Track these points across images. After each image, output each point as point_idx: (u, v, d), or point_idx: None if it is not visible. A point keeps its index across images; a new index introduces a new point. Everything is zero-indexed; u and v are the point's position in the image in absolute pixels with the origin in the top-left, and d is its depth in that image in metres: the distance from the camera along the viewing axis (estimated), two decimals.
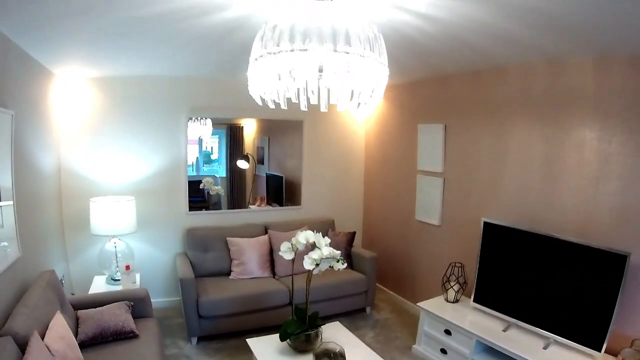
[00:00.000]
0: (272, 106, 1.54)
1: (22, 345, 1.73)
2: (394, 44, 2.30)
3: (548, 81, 2.77)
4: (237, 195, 4.46)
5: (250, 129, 4.41)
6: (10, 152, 2.22)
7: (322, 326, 2.59)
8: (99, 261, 3.46)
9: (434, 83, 3.71)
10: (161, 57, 2.98)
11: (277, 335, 2.55)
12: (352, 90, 1.41)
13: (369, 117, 4.74)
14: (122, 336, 2.46)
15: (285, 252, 2.54)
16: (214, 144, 4.38)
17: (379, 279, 4.19)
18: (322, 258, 2.38)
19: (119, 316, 2.50)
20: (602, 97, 2.47)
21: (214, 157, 4.42)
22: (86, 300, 2.75)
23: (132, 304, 2.69)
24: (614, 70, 2.39)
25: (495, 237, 2.97)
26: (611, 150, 2.43)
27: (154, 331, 2.62)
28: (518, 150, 3.00)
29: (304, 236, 2.46)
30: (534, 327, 2.65)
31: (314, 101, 1.44)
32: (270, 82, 1.38)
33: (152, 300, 2.93)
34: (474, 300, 3.07)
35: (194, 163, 4.24)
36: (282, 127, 4.49)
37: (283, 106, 1.48)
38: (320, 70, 1.29)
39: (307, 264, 2.40)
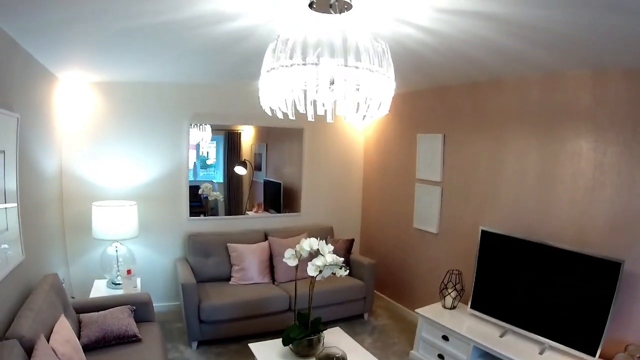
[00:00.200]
0: (280, 116, 1.59)
1: (28, 349, 1.74)
2: (396, 55, 2.35)
3: (544, 93, 2.84)
4: (234, 201, 4.48)
5: (247, 135, 4.44)
6: (16, 155, 2.23)
7: (323, 331, 2.62)
8: (100, 265, 3.47)
9: (433, 94, 3.78)
10: (165, 64, 3.01)
11: (280, 340, 2.58)
12: (359, 103, 1.47)
13: (368, 125, 4.79)
14: (125, 340, 2.47)
15: (289, 259, 2.59)
16: (210, 149, 4.40)
17: (377, 285, 4.22)
18: (326, 265, 2.43)
19: (122, 320, 2.51)
20: (597, 109, 2.54)
21: (209, 162, 4.43)
22: (88, 303, 2.76)
23: (134, 308, 2.70)
24: (609, 82, 2.47)
25: (492, 245, 3.02)
26: (606, 161, 2.50)
27: (157, 335, 2.64)
28: (515, 160, 3.07)
29: (308, 243, 2.51)
30: (530, 333, 2.70)
31: (321, 112, 1.49)
32: (282, 93, 1.43)
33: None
34: (471, 307, 3.12)
35: (192, 168, 4.26)
36: (280, 134, 4.52)
37: (291, 117, 1.53)
38: (332, 83, 1.34)
39: (311, 271, 2.45)
